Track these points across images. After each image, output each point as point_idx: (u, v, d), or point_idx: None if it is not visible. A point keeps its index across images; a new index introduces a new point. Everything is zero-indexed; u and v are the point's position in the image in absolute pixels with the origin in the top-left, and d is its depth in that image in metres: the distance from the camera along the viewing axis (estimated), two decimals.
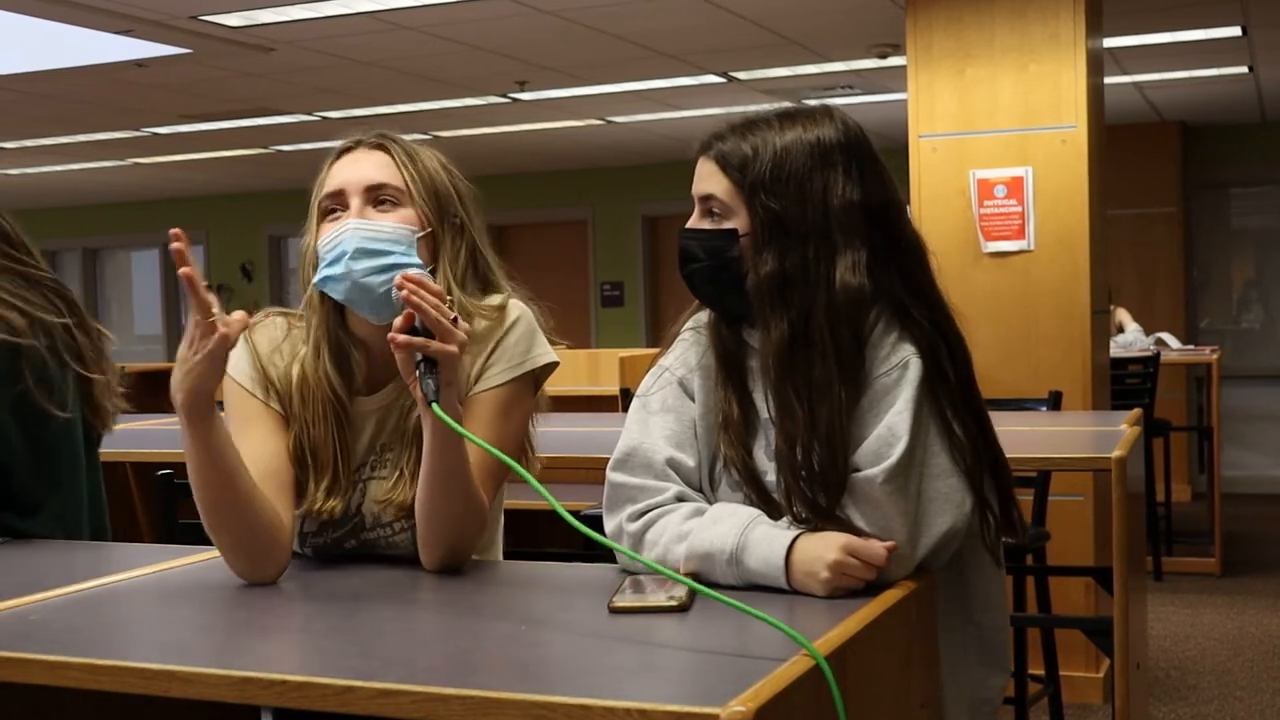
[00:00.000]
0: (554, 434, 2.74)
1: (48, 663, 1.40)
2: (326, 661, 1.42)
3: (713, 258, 1.78)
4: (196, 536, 1.98)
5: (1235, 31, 6.42)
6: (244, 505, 1.75)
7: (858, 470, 1.67)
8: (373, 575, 1.83)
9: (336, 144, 1.97)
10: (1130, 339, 7.52)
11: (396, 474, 1.90)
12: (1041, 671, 3.90)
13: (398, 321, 1.69)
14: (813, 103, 1.85)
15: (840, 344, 1.70)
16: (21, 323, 2.21)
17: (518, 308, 1.95)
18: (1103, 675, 4.75)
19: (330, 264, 1.84)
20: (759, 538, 1.64)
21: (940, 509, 1.69)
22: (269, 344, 1.96)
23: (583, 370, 6.08)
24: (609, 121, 8.73)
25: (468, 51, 6.31)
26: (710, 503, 1.77)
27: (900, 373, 1.71)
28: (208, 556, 1.96)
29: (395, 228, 1.86)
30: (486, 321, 1.91)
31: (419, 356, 1.68)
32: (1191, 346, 8.26)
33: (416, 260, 1.85)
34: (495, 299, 1.96)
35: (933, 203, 4.93)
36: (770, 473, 1.76)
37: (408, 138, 1.99)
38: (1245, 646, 5.31)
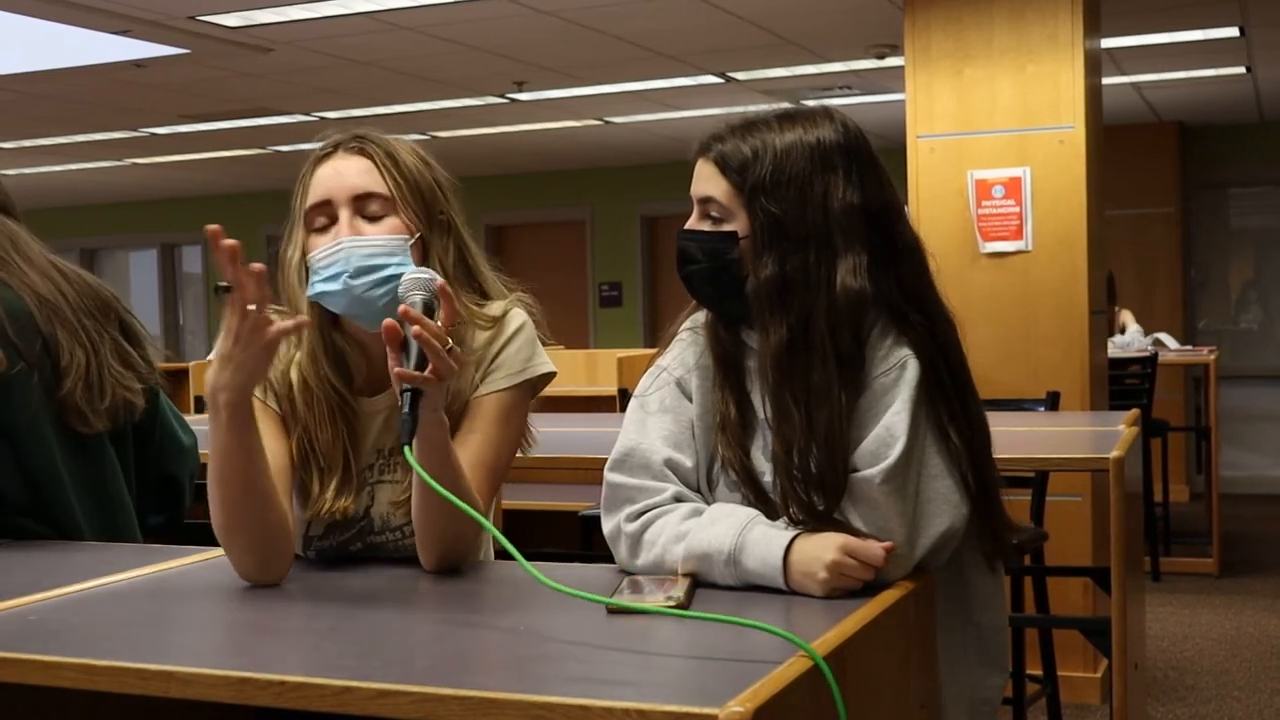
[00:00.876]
0: (552, 434, 2.74)
1: (46, 663, 1.40)
2: (325, 662, 1.41)
3: (712, 260, 1.78)
4: (197, 536, 1.98)
5: (1233, 32, 6.42)
6: (265, 506, 1.74)
7: (855, 471, 1.67)
8: (371, 576, 1.83)
9: (314, 146, 1.95)
10: (1128, 339, 7.51)
11: (407, 477, 1.90)
12: (1040, 672, 3.89)
13: (387, 322, 1.65)
14: (812, 103, 1.85)
15: (840, 348, 1.70)
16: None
17: (519, 316, 1.96)
18: (1101, 675, 4.75)
19: (327, 280, 1.85)
20: (757, 538, 1.64)
21: (938, 509, 1.69)
22: None
23: (581, 370, 6.08)
24: (608, 122, 8.73)
25: (466, 52, 6.31)
26: (708, 503, 1.77)
27: (898, 373, 1.71)
28: (207, 557, 1.96)
29: (388, 240, 1.87)
30: (486, 332, 1.93)
31: (404, 385, 1.63)
32: (1189, 347, 8.25)
33: (412, 266, 1.85)
34: (495, 307, 1.96)
35: (931, 203, 4.93)
36: (768, 473, 1.75)
37: (408, 138, 1.99)
38: (1243, 647, 5.31)
